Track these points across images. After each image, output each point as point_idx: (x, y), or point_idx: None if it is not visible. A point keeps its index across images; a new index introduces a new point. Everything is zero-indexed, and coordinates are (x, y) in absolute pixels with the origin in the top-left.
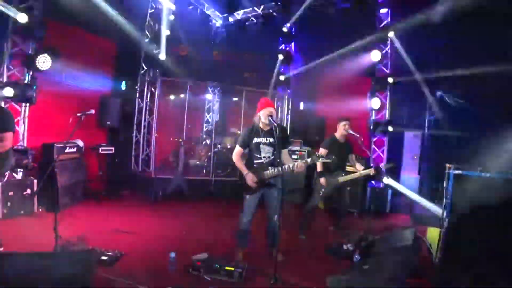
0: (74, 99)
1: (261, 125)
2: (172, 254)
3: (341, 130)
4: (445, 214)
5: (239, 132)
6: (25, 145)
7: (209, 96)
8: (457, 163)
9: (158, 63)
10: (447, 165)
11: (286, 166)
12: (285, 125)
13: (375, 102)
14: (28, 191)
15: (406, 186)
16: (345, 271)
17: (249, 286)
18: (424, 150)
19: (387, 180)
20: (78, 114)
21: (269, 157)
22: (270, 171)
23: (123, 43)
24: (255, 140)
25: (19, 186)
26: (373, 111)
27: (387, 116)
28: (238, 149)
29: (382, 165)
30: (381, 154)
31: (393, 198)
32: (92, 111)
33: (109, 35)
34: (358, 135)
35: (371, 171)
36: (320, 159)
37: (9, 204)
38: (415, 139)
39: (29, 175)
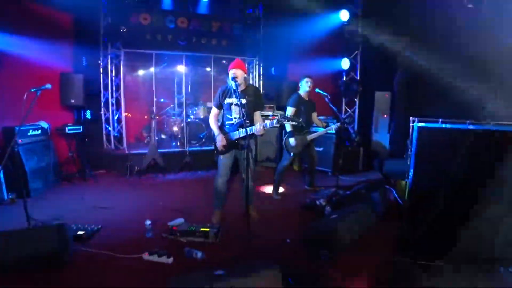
0: (32, 78)
1: (233, 86)
2: (148, 222)
3: (304, 88)
4: (410, 166)
5: (210, 104)
6: None
7: (178, 67)
8: (422, 117)
9: (120, 35)
10: (411, 118)
11: (249, 129)
12: None
13: (344, 63)
14: None
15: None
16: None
17: (225, 245)
18: (393, 109)
19: (357, 138)
20: (33, 90)
21: (239, 118)
22: (239, 132)
23: (80, 15)
24: (227, 100)
25: None
26: (344, 72)
27: (357, 76)
28: (213, 110)
29: (342, 119)
30: (352, 114)
31: (365, 157)
32: (49, 86)
33: (64, 7)
34: (326, 94)
35: (335, 126)
36: (287, 120)
37: None
38: (385, 98)
39: None
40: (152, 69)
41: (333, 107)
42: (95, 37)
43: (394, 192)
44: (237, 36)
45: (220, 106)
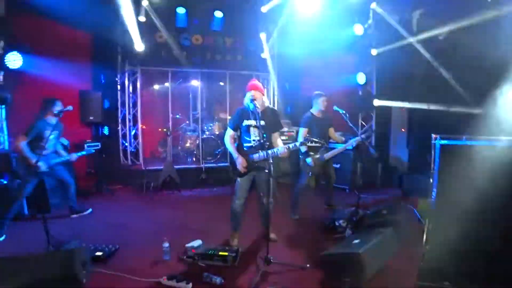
0: (53, 96)
1: (251, 108)
2: (166, 244)
3: (318, 106)
4: (433, 185)
5: (229, 117)
6: (6, 148)
7: (193, 83)
8: (444, 133)
9: (137, 53)
10: (433, 135)
11: (270, 151)
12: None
13: (360, 77)
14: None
15: (396, 159)
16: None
17: (243, 269)
18: (411, 123)
19: (375, 154)
20: (55, 112)
21: (258, 140)
22: (259, 154)
23: (99, 34)
24: (245, 122)
25: (5, 190)
26: (359, 87)
27: (373, 90)
28: (229, 132)
29: (360, 134)
30: (369, 129)
31: (384, 172)
32: (71, 108)
33: (83, 27)
34: (343, 111)
35: (354, 142)
36: (300, 144)
37: None
38: (402, 112)
39: (15, 179)
40: (167, 85)
41: (351, 125)
42: (113, 56)
43: (415, 211)
44: (251, 51)
45: (236, 127)
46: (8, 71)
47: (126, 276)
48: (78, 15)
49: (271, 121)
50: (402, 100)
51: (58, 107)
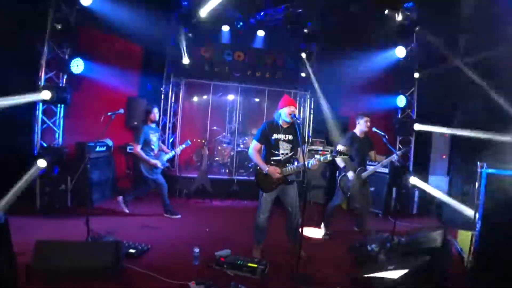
0: (104, 100)
1: (280, 122)
2: (196, 249)
3: (361, 126)
4: (477, 216)
5: None
6: (60, 143)
7: (231, 96)
8: (490, 161)
9: (182, 65)
10: (479, 163)
11: (301, 164)
12: (307, 125)
13: (400, 100)
14: (63, 186)
15: (435, 187)
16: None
17: (271, 284)
18: (453, 149)
19: (413, 180)
20: (109, 114)
21: (287, 153)
22: (288, 168)
23: (149, 46)
24: (274, 136)
25: (54, 182)
26: (399, 109)
27: (414, 114)
28: (255, 144)
29: (397, 154)
30: (406, 152)
31: (420, 199)
32: (122, 111)
33: (137, 40)
34: (383, 134)
35: (391, 159)
36: (338, 155)
37: (46, 198)
38: (444, 137)
39: (63, 172)
40: (207, 97)
41: (391, 147)
42: (160, 67)
43: (456, 244)
44: (290, 70)
45: (264, 141)
46: (71, 75)
47: (156, 276)
48: (133, 29)
49: (297, 135)
50: (445, 125)
51: (155, 113)
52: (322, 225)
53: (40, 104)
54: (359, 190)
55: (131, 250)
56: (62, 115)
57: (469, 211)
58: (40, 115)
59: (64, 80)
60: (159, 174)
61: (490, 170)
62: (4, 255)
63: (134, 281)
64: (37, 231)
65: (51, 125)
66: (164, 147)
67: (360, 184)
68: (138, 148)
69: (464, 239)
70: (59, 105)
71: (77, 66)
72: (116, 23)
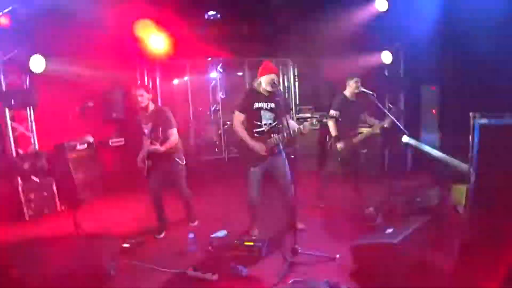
0: (78, 96)
1: (261, 90)
2: (191, 235)
3: (352, 88)
4: (471, 169)
5: None
6: (37, 148)
7: (212, 74)
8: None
9: (154, 47)
10: (471, 114)
11: (292, 131)
12: (292, 92)
13: (385, 56)
14: (49, 191)
15: (426, 143)
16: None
17: (270, 260)
18: (444, 104)
19: (406, 139)
20: (77, 109)
21: (270, 123)
22: (274, 138)
23: (114, 31)
24: (256, 105)
25: (38, 188)
26: (385, 67)
27: (401, 70)
28: (238, 115)
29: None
30: (392, 108)
31: (413, 157)
32: (91, 104)
33: (99, 25)
34: (370, 92)
35: (383, 124)
36: (328, 118)
37: (32, 205)
38: (432, 93)
39: (46, 176)
40: (186, 78)
41: (381, 106)
42: (131, 53)
43: (450, 198)
44: (268, 37)
45: (245, 111)
46: (33, 75)
47: (153, 267)
48: (95, 14)
49: (281, 104)
50: (434, 80)
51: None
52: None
53: (7, 110)
54: (352, 153)
55: (125, 245)
56: (33, 118)
57: (462, 165)
58: (9, 122)
59: (27, 81)
60: None
61: (482, 121)
62: None
63: (130, 277)
64: (29, 242)
65: (23, 131)
66: None
67: (352, 147)
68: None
69: (458, 193)
70: (28, 109)
71: (37, 64)
72: (77, 11)
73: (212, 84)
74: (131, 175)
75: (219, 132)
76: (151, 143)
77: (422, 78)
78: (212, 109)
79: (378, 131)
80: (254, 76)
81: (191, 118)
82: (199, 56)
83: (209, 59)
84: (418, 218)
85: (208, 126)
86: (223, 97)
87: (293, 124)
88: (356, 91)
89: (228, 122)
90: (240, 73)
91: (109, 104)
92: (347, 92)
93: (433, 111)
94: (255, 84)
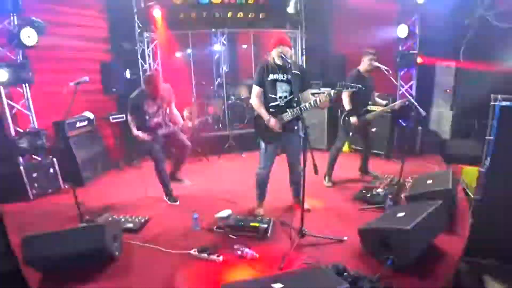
0: (75, 70)
1: (274, 63)
2: (195, 215)
3: (365, 65)
4: (487, 152)
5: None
6: (36, 126)
7: (216, 46)
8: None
9: (153, 18)
10: (492, 95)
11: (307, 104)
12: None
13: (401, 30)
14: (51, 170)
15: (439, 123)
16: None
17: (275, 241)
18: (458, 83)
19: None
20: (71, 84)
21: (285, 97)
22: (289, 112)
23: (112, 2)
24: (271, 76)
25: (41, 166)
26: (400, 41)
27: (416, 45)
28: (257, 89)
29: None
30: (409, 90)
31: (423, 137)
32: (86, 78)
33: None
34: (385, 68)
35: (394, 106)
36: (345, 88)
37: (36, 184)
38: (448, 71)
39: (48, 155)
40: (189, 50)
41: (396, 82)
42: (129, 23)
43: (461, 180)
44: (275, 7)
45: (262, 84)
46: (25, 49)
47: (157, 247)
48: None
49: (299, 77)
50: (450, 57)
51: None
52: (326, 176)
53: (1, 88)
54: (362, 131)
55: (129, 225)
56: (29, 95)
57: (475, 147)
58: (5, 100)
59: (20, 55)
60: None
61: (504, 103)
62: (4, 254)
63: (135, 258)
64: (34, 221)
65: (20, 108)
66: None
67: (363, 124)
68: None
69: (469, 175)
70: (24, 86)
71: (28, 37)
72: None
73: (216, 57)
74: (133, 151)
75: (223, 107)
76: (158, 123)
77: (437, 54)
78: (216, 83)
79: (389, 110)
80: (259, 49)
81: (194, 93)
82: (202, 27)
83: (213, 30)
84: (430, 202)
85: (212, 101)
86: (227, 70)
87: (309, 96)
88: (369, 68)
89: (233, 97)
90: (245, 46)
91: (108, 79)
92: (361, 68)
93: (448, 90)
94: (269, 58)
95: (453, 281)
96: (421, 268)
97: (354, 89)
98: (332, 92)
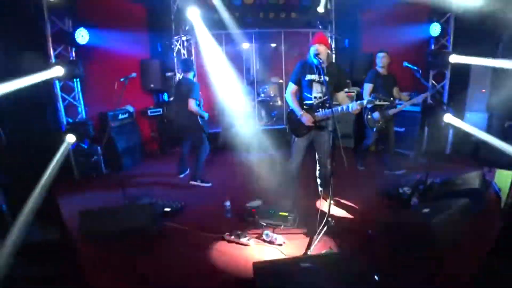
0: (118, 66)
1: (314, 61)
2: (227, 203)
3: (378, 63)
4: None
5: (281, 81)
6: (84, 117)
7: (246, 45)
8: None
9: (188, 19)
10: None
11: (339, 108)
12: None
13: (434, 28)
14: (95, 157)
15: (472, 125)
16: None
17: (302, 230)
18: (495, 83)
19: (448, 118)
20: (121, 79)
21: (320, 97)
22: (321, 112)
23: (152, 4)
24: (308, 76)
25: (86, 153)
26: (432, 39)
27: (449, 44)
28: (291, 86)
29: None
30: (441, 90)
31: (455, 138)
32: (134, 74)
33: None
34: (416, 68)
35: (414, 101)
36: (378, 100)
37: (81, 169)
38: (485, 70)
39: (93, 143)
40: (222, 49)
41: (425, 83)
42: (167, 23)
43: (493, 183)
44: (306, 7)
45: (298, 82)
46: (78, 47)
47: (192, 230)
48: None
49: (335, 78)
50: (487, 56)
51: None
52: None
53: (57, 82)
54: (385, 128)
55: (166, 209)
56: (79, 89)
57: (510, 150)
58: (59, 92)
59: (74, 53)
60: None
61: None
62: (57, 225)
63: (173, 238)
64: (80, 200)
65: (71, 100)
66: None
67: (386, 120)
68: (193, 104)
69: (503, 179)
70: (74, 80)
71: (82, 36)
72: None
73: (247, 55)
74: (169, 142)
75: (253, 104)
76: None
77: (472, 54)
78: (246, 80)
79: (408, 105)
80: (289, 48)
81: (226, 90)
82: (235, 26)
83: (245, 30)
84: (456, 201)
85: (242, 97)
86: (257, 68)
87: (346, 100)
88: (381, 65)
89: (262, 95)
90: (274, 45)
91: (147, 75)
92: (378, 67)
93: (483, 90)
94: (308, 56)
95: (476, 280)
96: (443, 265)
97: (387, 103)
98: (365, 102)
